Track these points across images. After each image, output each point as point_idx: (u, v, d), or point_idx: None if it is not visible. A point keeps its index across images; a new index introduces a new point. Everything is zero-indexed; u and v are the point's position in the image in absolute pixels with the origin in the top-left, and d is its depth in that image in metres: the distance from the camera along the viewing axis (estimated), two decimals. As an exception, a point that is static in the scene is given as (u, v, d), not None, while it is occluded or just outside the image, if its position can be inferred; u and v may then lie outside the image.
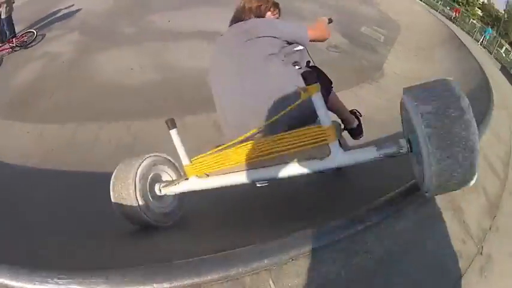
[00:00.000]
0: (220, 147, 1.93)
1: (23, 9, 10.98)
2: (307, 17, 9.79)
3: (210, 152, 1.96)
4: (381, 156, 1.64)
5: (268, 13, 2.30)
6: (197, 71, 5.44)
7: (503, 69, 15.40)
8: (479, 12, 56.81)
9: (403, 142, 1.65)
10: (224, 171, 1.88)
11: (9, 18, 8.15)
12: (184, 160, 1.98)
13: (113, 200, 2.02)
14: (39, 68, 6.37)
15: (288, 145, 1.68)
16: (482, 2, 56.06)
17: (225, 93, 2.01)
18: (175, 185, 2.08)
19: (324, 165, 1.68)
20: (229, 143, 1.86)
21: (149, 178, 2.12)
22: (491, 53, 18.42)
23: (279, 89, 1.88)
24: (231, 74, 1.97)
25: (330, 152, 1.65)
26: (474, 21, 26.26)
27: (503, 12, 49.17)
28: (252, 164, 1.79)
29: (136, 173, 1.99)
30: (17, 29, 8.22)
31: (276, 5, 2.41)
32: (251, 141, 1.78)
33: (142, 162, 2.08)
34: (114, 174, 2.06)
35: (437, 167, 1.35)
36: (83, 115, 4.69)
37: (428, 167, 1.39)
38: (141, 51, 6.56)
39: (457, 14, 24.62)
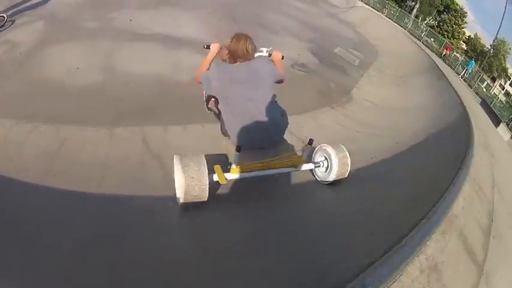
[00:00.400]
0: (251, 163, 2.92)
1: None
2: (279, 32, 9.14)
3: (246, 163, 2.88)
4: (315, 167, 3.23)
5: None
6: (140, 77, 5.31)
7: (484, 104, 14.95)
8: (464, 46, 57.86)
9: (322, 162, 3.25)
10: (253, 171, 2.88)
11: None
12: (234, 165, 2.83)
13: (185, 186, 2.50)
14: (-2, 56, 6.15)
15: (286, 162, 3.03)
16: (469, 36, 57.15)
17: (246, 116, 2.86)
18: (227, 174, 2.79)
19: (298, 169, 3.08)
20: (261, 161, 2.95)
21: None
22: (471, 87, 18.10)
23: (279, 120, 3.00)
24: (253, 106, 2.87)
25: (301, 165, 3.09)
26: (457, 55, 26.21)
27: (489, 47, 50.11)
28: (268, 169, 2.93)
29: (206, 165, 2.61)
30: None
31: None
32: (269, 159, 2.99)
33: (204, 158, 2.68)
34: (181, 168, 2.55)
35: (337, 167, 3.09)
36: (22, 112, 4.34)
37: (335, 168, 3.10)
38: (94, 48, 6.10)
39: (448, 52, 23.51)
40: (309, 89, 6.38)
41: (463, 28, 56.79)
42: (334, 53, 9.86)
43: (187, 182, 2.49)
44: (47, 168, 3.35)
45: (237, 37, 3.01)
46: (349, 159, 3.12)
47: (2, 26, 7.17)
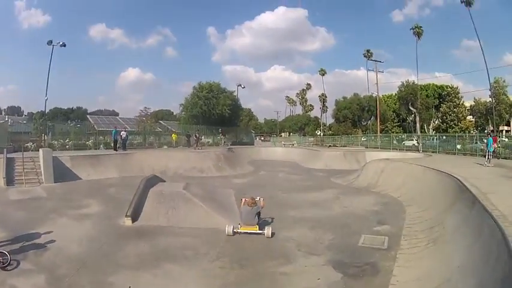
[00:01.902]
0: (243, 227, 11.04)
1: (8, 209, 12.19)
2: (293, 258, 8.64)
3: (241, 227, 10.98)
4: (261, 232, 10.71)
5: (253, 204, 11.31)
6: None
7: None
8: (472, 118, 56.98)
9: (264, 231, 10.82)
10: (243, 231, 10.97)
11: None
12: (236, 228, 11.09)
13: (226, 231, 10.86)
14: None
15: (251, 228, 10.92)
16: (470, 106, 56.91)
17: (244, 214, 11.17)
18: (238, 229, 11.05)
19: (256, 232, 10.83)
20: (243, 226, 11.04)
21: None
22: (498, 157, 18.00)
23: (253, 220, 11.11)
24: (248, 217, 11.02)
25: (257, 231, 10.94)
26: (472, 133, 25.85)
27: (490, 99, 49.25)
28: (247, 230, 10.99)
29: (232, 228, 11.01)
30: None
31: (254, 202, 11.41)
32: (248, 227, 11.01)
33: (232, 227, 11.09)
34: (226, 227, 11.02)
35: (267, 233, 10.66)
36: None
37: (266, 231, 10.75)
38: None
39: (495, 145, 19.45)
40: None
41: (463, 104, 56.90)
42: (359, 247, 9.23)
43: (227, 230, 10.63)
44: None
45: (252, 199, 11.21)
46: (270, 231, 10.38)
47: (8, 264, 7.42)
